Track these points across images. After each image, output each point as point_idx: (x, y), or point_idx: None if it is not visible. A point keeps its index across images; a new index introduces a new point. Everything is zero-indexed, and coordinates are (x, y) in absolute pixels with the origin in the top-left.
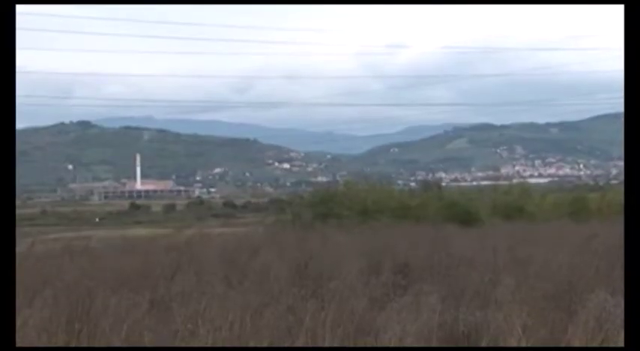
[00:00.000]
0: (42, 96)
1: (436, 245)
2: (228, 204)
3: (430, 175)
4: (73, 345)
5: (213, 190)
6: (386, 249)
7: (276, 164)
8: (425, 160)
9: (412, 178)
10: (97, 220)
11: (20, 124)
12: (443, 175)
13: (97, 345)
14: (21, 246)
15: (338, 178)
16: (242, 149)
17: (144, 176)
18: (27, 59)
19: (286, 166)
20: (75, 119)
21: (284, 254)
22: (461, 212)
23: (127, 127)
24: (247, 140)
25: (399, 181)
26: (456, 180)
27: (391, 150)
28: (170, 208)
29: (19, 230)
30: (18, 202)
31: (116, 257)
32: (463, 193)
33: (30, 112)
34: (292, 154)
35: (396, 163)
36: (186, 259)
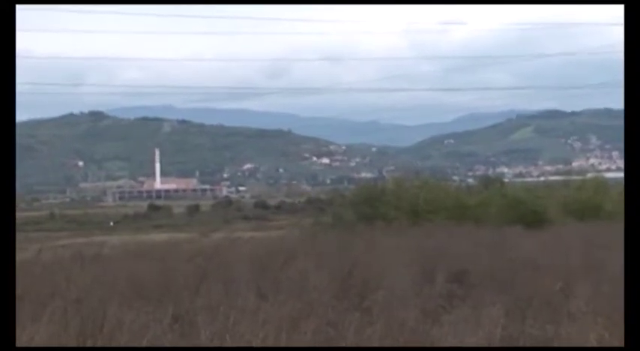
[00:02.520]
0: (48, 83)
1: (498, 249)
2: (260, 204)
3: (491, 170)
4: None
5: (242, 188)
6: (440, 254)
7: (314, 159)
8: (484, 152)
9: (470, 174)
10: (111, 224)
11: (23, 115)
12: (505, 169)
13: None
14: (27, 253)
15: (384, 173)
16: (275, 142)
17: (164, 174)
18: (32, 42)
19: (325, 160)
20: (86, 109)
21: (324, 261)
22: (526, 212)
23: (145, 118)
24: (281, 131)
25: (455, 177)
26: (520, 175)
27: (445, 141)
28: (194, 210)
29: (25, 236)
30: (22, 205)
31: (133, 266)
32: (529, 189)
33: (35, 101)
34: (332, 147)
35: (452, 156)
36: (213, 267)
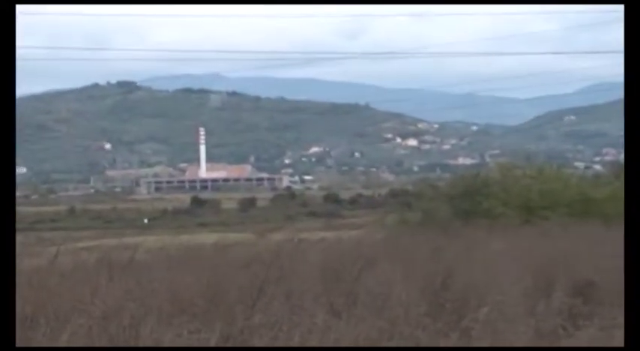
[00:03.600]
0: (68, 47)
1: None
2: (331, 198)
3: (623, 155)
4: None
5: (308, 178)
6: (559, 260)
7: (398, 140)
8: (616, 132)
9: (597, 159)
10: (146, 221)
11: (38, 86)
12: None
13: None
14: (40, 258)
15: (487, 159)
16: (349, 119)
17: (210, 159)
18: None
19: (412, 142)
20: (113, 79)
21: (411, 269)
22: None
23: (187, 90)
24: (356, 106)
25: (578, 163)
26: None
27: (565, 118)
28: (248, 205)
29: (37, 236)
30: (35, 197)
31: (173, 274)
32: None
33: (51, 70)
34: (421, 126)
35: (573, 136)
36: (273, 276)
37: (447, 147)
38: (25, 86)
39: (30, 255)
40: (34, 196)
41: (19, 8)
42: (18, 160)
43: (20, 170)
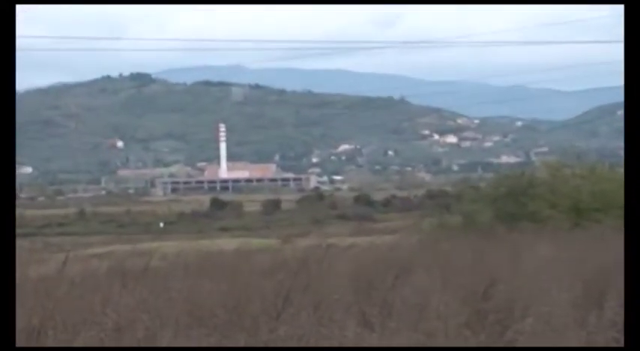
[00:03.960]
0: (78, 37)
1: None
2: (362, 199)
3: None
4: None
5: (338, 178)
6: (612, 268)
7: (436, 137)
8: None
9: None
10: (162, 225)
11: (45, 79)
12: None
13: None
14: (48, 265)
15: (533, 157)
16: (382, 114)
17: (231, 157)
18: None
19: (451, 139)
20: (127, 71)
21: (451, 277)
22: None
23: (206, 83)
24: (390, 100)
25: None
26: None
27: (618, 112)
28: (272, 207)
29: (44, 241)
30: (41, 199)
31: (191, 283)
32: None
33: (60, 60)
34: (461, 121)
35: None
36: (300, 285)
37: (489, 144)
38: (30, 79)
39: (36, 262)
40: (40, 198)
41: None
42: (23, 159)
43: (25, 170)
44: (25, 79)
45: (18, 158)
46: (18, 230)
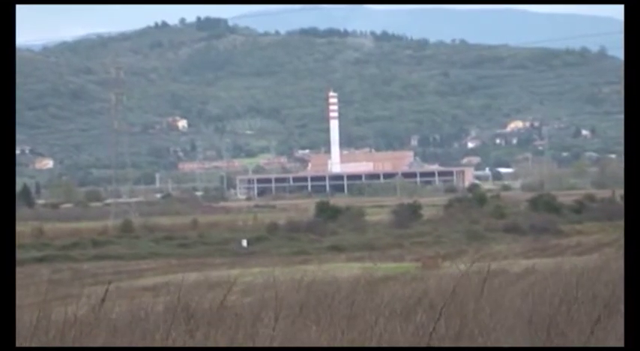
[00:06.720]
0: None
1: None
2: (543, 202)
3: None
4: None
5: (506, 170)
6: None
7: None
8: None
9: None
10: (244, 243)
11: (71, 28)
12: None
13: None
14: (79, 302)
15: None
16: (573, 75)
17: (346, 142)
18: None
19: None
20: (192, 16)
21: None
22: None
23: (308, 32)
24: (585, 53)
25: None
26: None
27: None
28: (408, 215)
29: (73, 268)
30: (69, 206)
31: (289, 330)
32: None
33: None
34: None
35: None
36: (449, 329)
37: None
38: (51, 31)
39: (63, 298)
40: (66, 205)
41: None
42: (40, 147)
43: (44, 163)
44: (45, 30)
45: (34, 147)
46: (35, 252)
